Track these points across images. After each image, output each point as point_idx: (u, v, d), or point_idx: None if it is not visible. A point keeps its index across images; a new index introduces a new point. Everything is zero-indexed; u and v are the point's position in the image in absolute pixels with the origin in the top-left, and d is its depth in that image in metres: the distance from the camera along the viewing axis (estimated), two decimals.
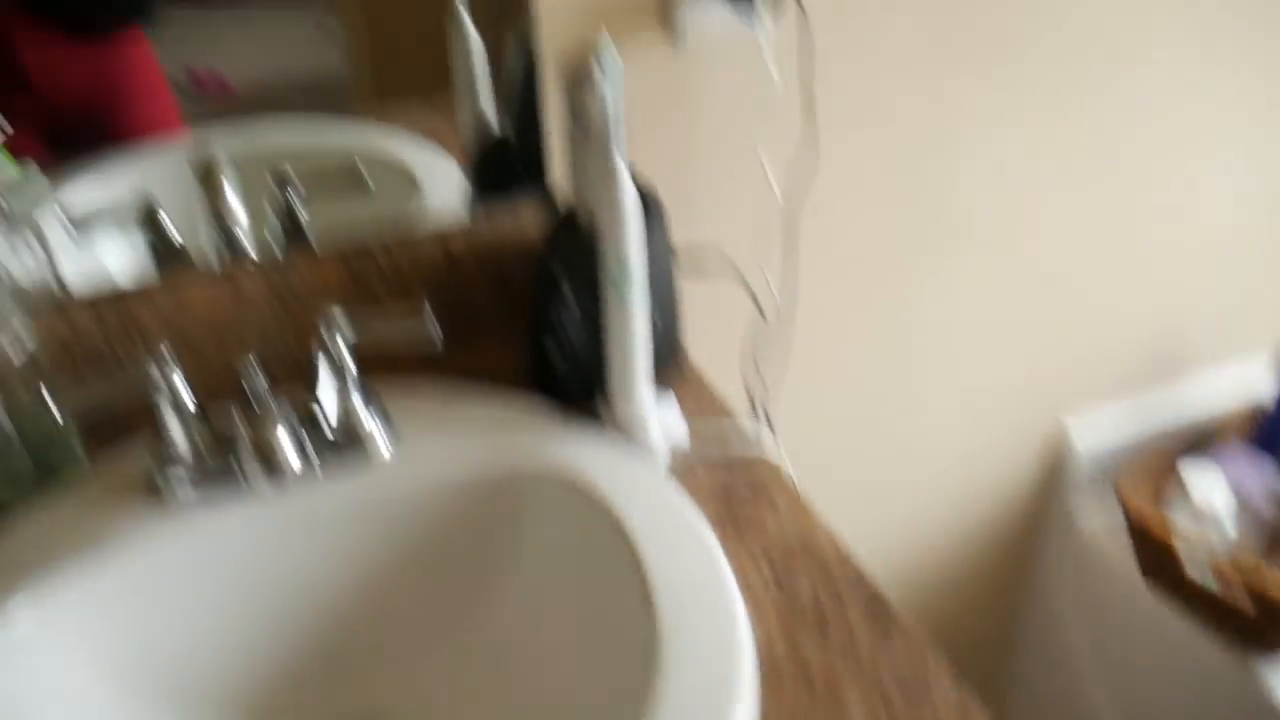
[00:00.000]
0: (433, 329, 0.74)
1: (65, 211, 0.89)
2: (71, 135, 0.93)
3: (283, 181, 0.92)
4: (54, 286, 0.87)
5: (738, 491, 0.76)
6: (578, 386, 0.83)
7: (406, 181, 1.02)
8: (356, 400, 0.75)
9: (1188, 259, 1.35)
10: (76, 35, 0.90)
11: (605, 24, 0.88)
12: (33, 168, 0.88)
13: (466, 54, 0.97)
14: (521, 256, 0.91)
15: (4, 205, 0.89)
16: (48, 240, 0.88)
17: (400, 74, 0.98)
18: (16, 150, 0.88)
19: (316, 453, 0.74)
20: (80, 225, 0.90)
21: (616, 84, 0.70)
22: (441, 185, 1.01)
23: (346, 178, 0.95)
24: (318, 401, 0.73)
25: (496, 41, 0.94)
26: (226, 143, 0.91)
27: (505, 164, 1.01)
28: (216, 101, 0.94)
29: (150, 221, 0.91)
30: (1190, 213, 1.30)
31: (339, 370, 0.74)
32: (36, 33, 0.86)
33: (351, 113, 0.96)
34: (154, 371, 0.69)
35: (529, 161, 0.95)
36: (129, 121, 0.95)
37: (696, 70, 0.92)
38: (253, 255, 0.90)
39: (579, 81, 0.76)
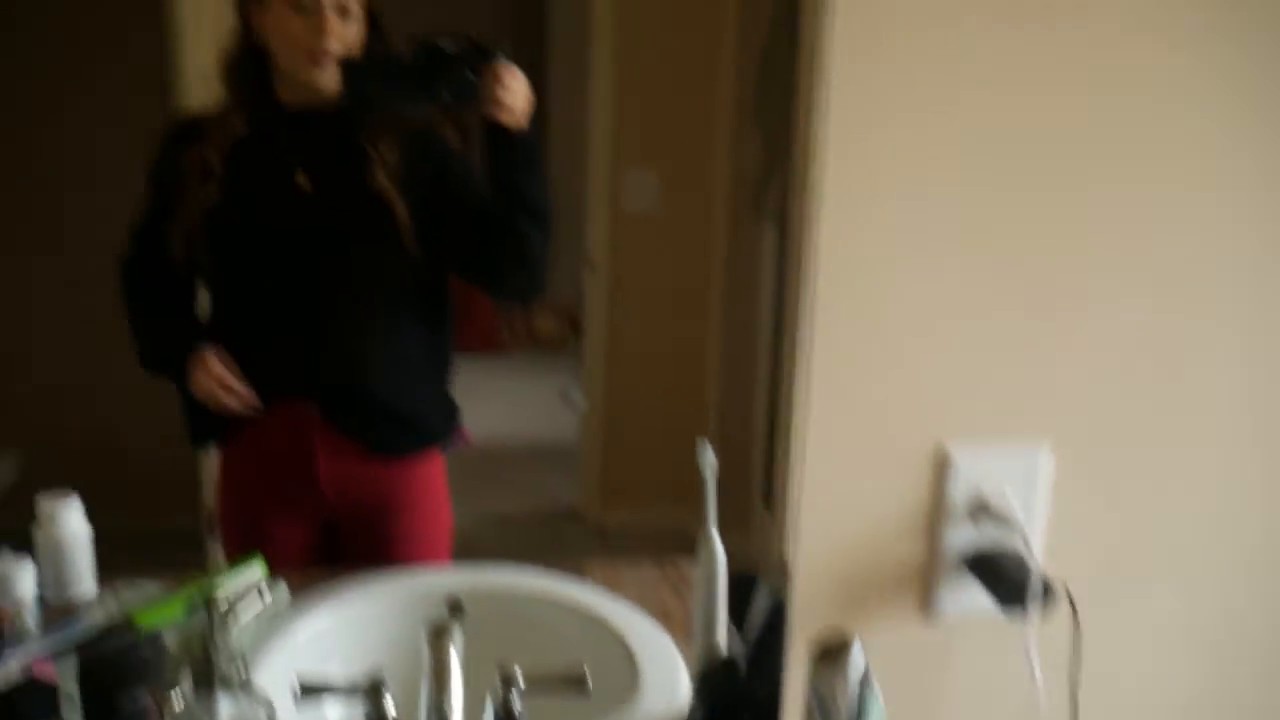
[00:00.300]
0: None
1: (296, 667, 0.89)
2: (341, 543, 0.95)
3: (507, 680, 0.90)
4: None
5: None
6: None
7: (628, 670, 0.99)
8: None
9: None
10: (377, 454, 0.93)
11: (863, 598, 0.85)
12: (281, 584, 0.89)
13: (711, 570, 0.96)
14: None
15: (238, 668, 0.90)
16: (272, 705, 0.88)
17: (626, 478, 0.98)
18: (282, 550, 0.89)
19: None
20: (306, 689, 0.90)
21: (871, 699, 0.66)
22: (662, 684, 0.97)
23: (569, 680, 0.93)
24: None
25: (743, 570, 0.92)
26: (462, 587, 0.91)
27: (729, 689, 0.97)
28: (452, 450, 0.96)
29: (373, 694, 0.90)
30: None
31: None
32: (338, 443, 0.90)
33: (577, 477, 0.95)
34: None
35: (756, 706, 0.90)
36: (400, 537, 0.97)
37: (949, 654, 0.88)
38: None
39: (830, 664, 0.73)
